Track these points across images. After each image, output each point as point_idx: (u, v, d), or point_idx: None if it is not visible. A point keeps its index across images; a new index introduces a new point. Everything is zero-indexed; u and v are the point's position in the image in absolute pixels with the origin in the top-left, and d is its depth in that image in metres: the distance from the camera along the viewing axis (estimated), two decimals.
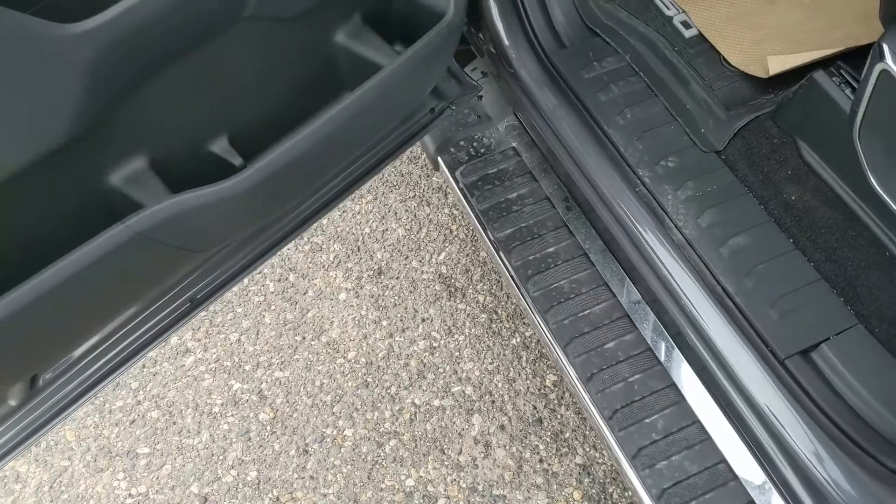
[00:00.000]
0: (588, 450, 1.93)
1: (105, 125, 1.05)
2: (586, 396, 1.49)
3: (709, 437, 1.40)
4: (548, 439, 1.95)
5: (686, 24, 1.60)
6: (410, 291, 2.20)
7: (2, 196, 0.98)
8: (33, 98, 0.91)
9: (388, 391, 2.05)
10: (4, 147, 0.93)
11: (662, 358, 1.50)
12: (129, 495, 1.95)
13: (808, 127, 1.36)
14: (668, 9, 1.63)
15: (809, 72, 1.35)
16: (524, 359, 2.07)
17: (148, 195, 1.16)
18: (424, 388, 2.05)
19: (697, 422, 1.42)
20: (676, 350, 1.48)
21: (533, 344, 2.09)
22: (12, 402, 1.35)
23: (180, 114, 1.20)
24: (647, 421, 1.43)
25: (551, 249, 1.64)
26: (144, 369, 2.12)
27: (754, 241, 1.36)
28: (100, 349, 1.41)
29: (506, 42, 1.62)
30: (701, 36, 1.58)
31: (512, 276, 1.64)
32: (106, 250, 1.03)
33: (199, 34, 1.09)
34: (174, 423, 2.04)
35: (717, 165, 1.44)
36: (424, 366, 2.08)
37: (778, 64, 1.45)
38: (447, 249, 2.27)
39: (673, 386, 1.46)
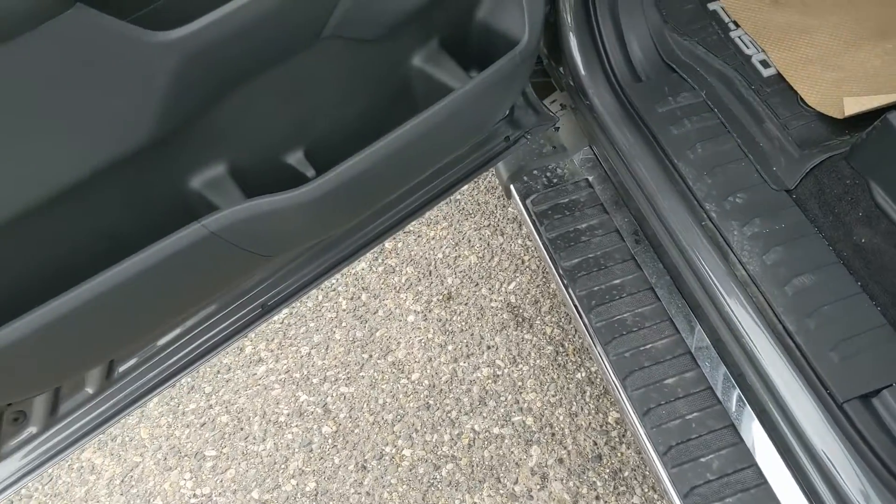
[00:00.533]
0: (646, 490, 1.89)
1: (187, 131, 1.13)
2: (642, 431, 1.47)
3: (765, 482, 1.37)
4: (606, 476, 1.92)
5: (765, 63, 1.59)
6: (478, 318, 2.22)
7: (87, 190, 1.06)
8: (121, 99, 0.99)
9: (449, 415, 2.07)
10: (91, 144, 1.01)
11: (723, 398, 1.47)
12: (194, 495, 2.02)
13: (882, 168, 1.33)
14: (748, 48, 1.63)
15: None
16: (588, 394, 2.06)
17: (225, 199, 1.23)
18: (485, 414, 2.05)
19: (755, 465, 1.39)
20: (737, 390, 1.46)
21: (598, 380, 2.07)
22: (89, 390, 1.44)
23: (260, 125, 1.26)
24: (702, 460, 1.41)
25: (617, 281, 1.64)
26: (219, 375, 2.20)
27: (820, 281, 1.33)
28: (173, 346, 1.49)
29: (583, 73, 1.65)
30: (779, 75, 1.57)
31: (576, 306, 1.64)
32: (182, 246, 1.09)
33: (279, 50, 1.15)
34: (241, 429, 2.11)
35: (787, 204, 1.42)
36: (486, 393, 2.09)
37: (854, 105, 1.42)
38: (517, 279, 2.28)
39: (731, 427, 1.43)
